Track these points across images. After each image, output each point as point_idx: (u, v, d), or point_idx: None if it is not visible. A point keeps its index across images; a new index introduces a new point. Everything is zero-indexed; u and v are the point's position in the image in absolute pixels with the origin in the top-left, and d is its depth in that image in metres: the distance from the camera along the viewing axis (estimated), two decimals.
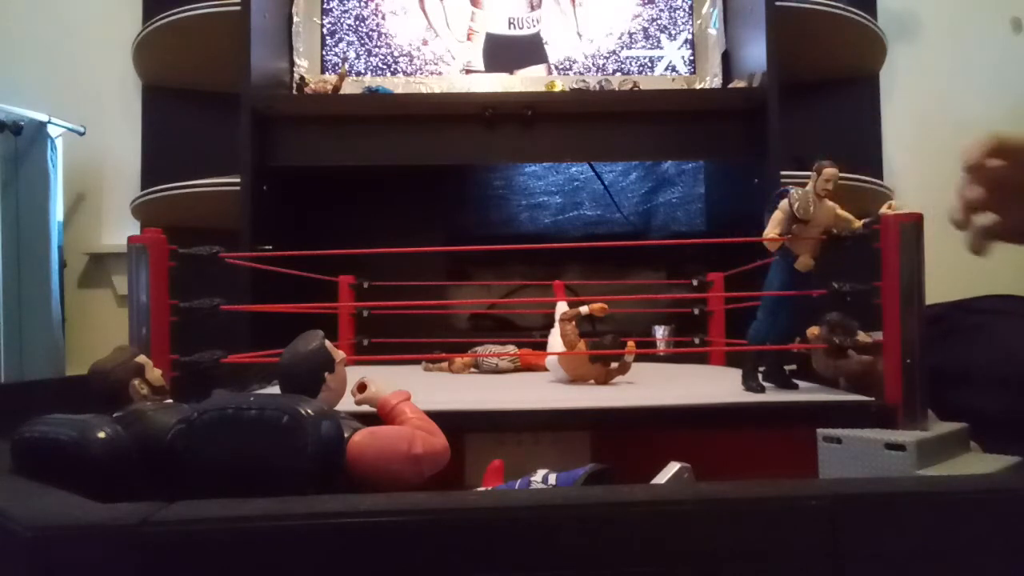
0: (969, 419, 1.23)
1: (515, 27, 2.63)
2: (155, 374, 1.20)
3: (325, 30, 2.60)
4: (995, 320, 1.24)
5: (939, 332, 0.98)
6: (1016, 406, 0.99)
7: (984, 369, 1.14)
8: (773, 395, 1.38)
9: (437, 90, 2.55)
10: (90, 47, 2.82)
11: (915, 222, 1.23)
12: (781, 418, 1.27)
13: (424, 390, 1.31)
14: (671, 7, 2.63)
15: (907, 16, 2.88)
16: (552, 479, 1.02)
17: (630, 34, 2.63)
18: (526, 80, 2.59)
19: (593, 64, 2.63)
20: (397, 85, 2.54)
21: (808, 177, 1.44)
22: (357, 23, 2.62)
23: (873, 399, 1.26)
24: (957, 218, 0.81)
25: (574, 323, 1.72)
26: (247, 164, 2.16)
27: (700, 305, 2.28)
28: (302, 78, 2.48)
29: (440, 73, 2.61)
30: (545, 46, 2.63)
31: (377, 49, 2.61)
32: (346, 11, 2.61)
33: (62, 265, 2.64)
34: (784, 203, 1.40)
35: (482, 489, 1.07)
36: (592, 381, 1.68)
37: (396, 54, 2.61)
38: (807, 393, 1.41)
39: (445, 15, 2.63)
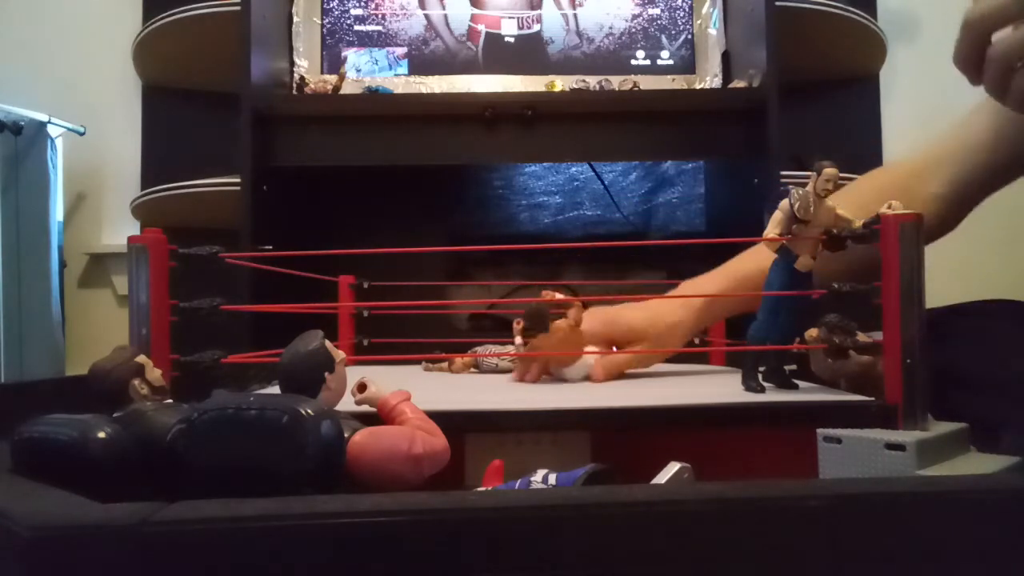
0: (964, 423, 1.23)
1: (515, 27, 2.63)
2: (155, 374, 1.20)
3: (325, 30, 2.60)
4: (989, 324, 1.24)
5: (934, 337, 0.98)
6: (1009, 411, 0.99)
7: (977, 374, 1.14)
8: (773, 395, 1.38)
9: (437, 90, 2.55)
10: (90, 47, 2.82)
11: (915, 222, 1.23)
12: (781, 418, 1.26)
13: (424, 390, 1.31)
14: (671, 7, 2.62)
15: (907, 16, 2.88)
16: (552, 479, 1.02)
17: (630, 34, 2.63)
18: (526, 80, 2.59)
19: (593, 64, 2.63)
20: (397, 85, 2.54)
21: (808, 177, 1.44)
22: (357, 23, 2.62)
23: (873, 399, 1.27)
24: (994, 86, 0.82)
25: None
26: (247, 164, 2.15)
27: None
28: (302, 78, 2.48)
29: (440, 73, 2.61)
30: (545, 46, 2.64)
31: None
32: (346, 11, 2.61)
33: (62, 265, 2.64)
34: (784, 203, 1.40)
35: (482, 489, 1.07)
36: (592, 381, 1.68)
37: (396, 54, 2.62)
38: (807, 393, 1.41)
39: (445, 15, 2.63)
